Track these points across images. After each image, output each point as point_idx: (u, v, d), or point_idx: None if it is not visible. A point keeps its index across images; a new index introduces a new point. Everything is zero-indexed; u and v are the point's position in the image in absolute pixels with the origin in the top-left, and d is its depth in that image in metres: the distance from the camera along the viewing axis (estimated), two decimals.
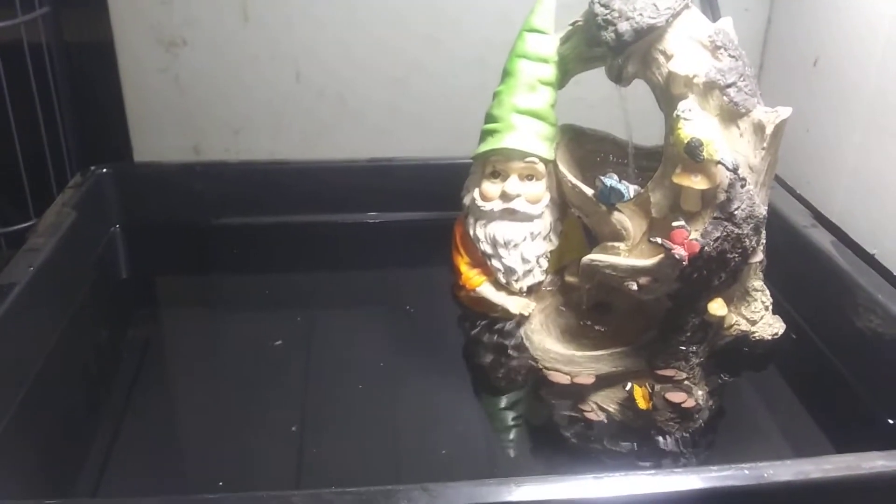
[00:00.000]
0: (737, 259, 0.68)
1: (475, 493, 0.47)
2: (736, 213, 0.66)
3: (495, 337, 0.76)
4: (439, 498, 0.46)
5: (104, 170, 0.91)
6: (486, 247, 0.76)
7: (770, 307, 0.74)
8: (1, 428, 0.61)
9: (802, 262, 0.80)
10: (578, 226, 0.80)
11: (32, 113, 0.89)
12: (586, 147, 0.79)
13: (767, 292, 0.74)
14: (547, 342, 0.75)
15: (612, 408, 0.69)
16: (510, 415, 0.71)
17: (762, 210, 0.68)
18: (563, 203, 0.77)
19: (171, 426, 0.69)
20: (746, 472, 0.49)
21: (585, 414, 0.69)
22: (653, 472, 0.49)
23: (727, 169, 0.65)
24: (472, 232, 0.77)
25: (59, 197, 0.84)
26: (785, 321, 0.75)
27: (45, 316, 0.73)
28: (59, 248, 0.75)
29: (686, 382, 0.70)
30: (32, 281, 0.69)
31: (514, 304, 0.77)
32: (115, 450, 0.64)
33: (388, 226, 0.96)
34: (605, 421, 0.68)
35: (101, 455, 0.64)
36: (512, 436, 0.69)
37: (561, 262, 0.79)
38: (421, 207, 0.95)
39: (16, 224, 0.91)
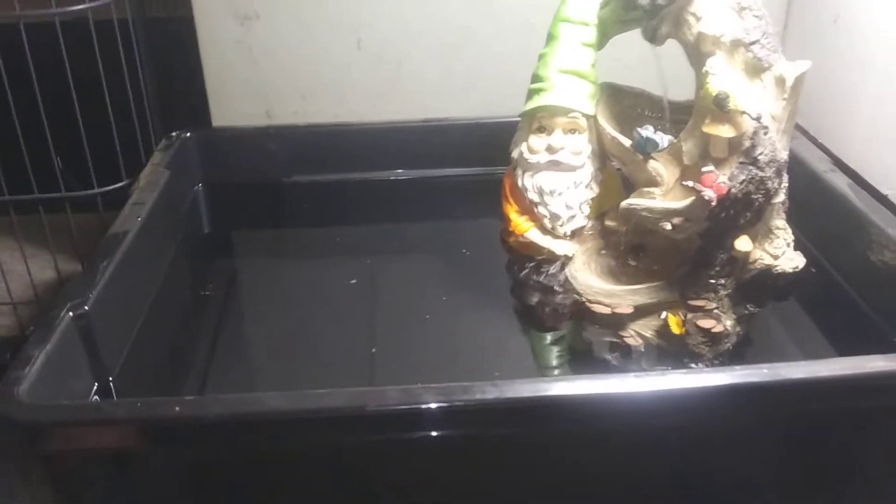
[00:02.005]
0: (760, 199, 0.73)
1: (536, 388, 0.55)
2: (760, 157, 0.71)
3: (542, 278, 0.82)
4: (507, 391, 0.54)
5: (188, 134, 0.98)
6: (533, 195, 0.82)
7: (791, 244, 0.79)
8: (127, 347, 0.71)
9: (822, 203, 0.84)
10: (617, 175, 0.86)
11: (121, 84, 0.96)
12: (624, 103, 0.84)
13: (789, 230, 0.79)
14: (590, 279, 0.81)
15: (648, 334, 0.76)
16: (557, 341, 0.78)
17: (783, 155, 0.74)
18: (602, 154, 0.83)
19: (259, 350, 0.78)
20: (766, 370, 0.56)
21: (625, 339, 0.75)
22: (685, 371, 0.57)
23: (751, 118, 0.71)
24: (520, 182, 0.83)
25: (151, 159, 0.92)
26: (806, 257, 0.79)
27: (152, 259, 0.82)
28: (159, 202, 0.84)
29: (716, 311, 0.76)
30: (141, 230, 0.78)
31: (559, 247, 0.83)
32: (211, 369, 0.73)
33: (443, 181, 1.02)
34: (643, 345, 0.75)
35: (201, 373, 0.73)
36: (559, 359, 0.76)
37: (601, 209, 0.84)
38: (472, 164, 1.00)
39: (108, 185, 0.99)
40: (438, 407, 0.54)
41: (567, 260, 0.83)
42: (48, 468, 0.56)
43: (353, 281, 0.84)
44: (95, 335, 0.66)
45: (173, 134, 0.99)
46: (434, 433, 0.56)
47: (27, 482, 0.55)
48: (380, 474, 0.58)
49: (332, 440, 0.56)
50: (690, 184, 0.74)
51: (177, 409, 0.53)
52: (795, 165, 0.84)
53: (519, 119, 0.84)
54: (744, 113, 0.71)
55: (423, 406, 0.54)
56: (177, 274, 0.86)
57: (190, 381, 0.72)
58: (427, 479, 0.59)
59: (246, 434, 0.55)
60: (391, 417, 0.54)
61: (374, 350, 0.74)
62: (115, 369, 0.69)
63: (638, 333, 0.77)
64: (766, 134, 0.72)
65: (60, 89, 0.91)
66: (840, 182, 0.84)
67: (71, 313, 0.65)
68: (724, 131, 0.72)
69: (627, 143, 0.79)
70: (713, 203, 0.72)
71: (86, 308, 0.66)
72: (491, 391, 0.54)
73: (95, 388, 0.67)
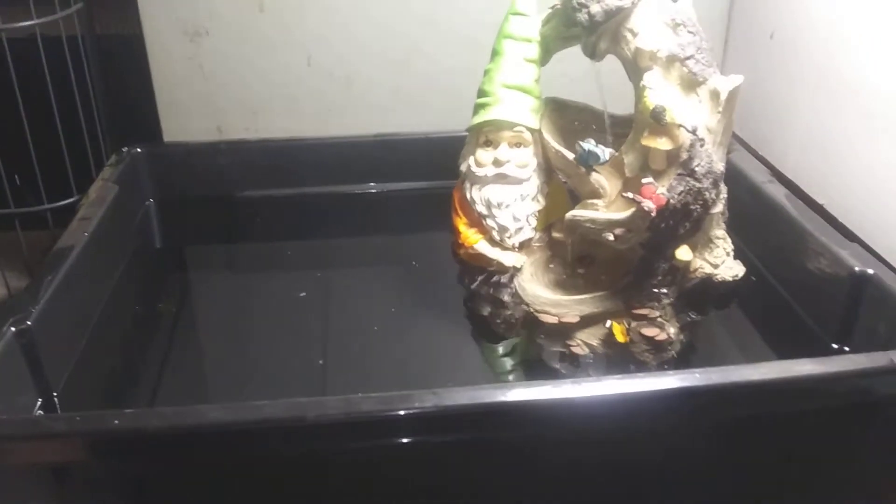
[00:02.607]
0: (699, 210, 0.75)
1: (474, 395, 0.56)
2: (696, 169, 0.73)
3: (492, 290, 0.84)
4: (446, 399, 0.55)
5: (138, 149, 0.98)
6: (481, 208, 0.84)
7: (731, 253, 0.82)
8: (73, 362, 0.71)
9: (761, 213, 0.86)
10: (563, 188, 0.87)
11: (71, 100, 0.96)
12: (568, 117, 0.86)
13: (729, 240, 0.81)
14: (537, 289, 0.83)
15: (594, 343, 0.77)
16: (507, 351, 0.79)
17: (720, 166, 0.76)
18: (548, 167, 0.84)
19: (209, 364, 0.78)
20: (697, 375, 0.58)
21: (572, 348, 0.76)
22: (619, 377, 0.58)
23: (687, 131, 0.73)
24: (468, 195, 0.84)
25: (101, 174, 0.92)
26: (746, 265, 0.82)
27: (100, 274, 0.82)
28: (107, 217, 0.84)
29: (659, 319, 0.78)
30: (87, 245, 0.78)
31: (508, 259, 0.84)
32: (161, 384, 0.73)
33: (394, 194, 1.03)
34: (589, 353, 0.76)
35: (150, 388, 0.73)
36: (508, 367, 0.78)
37: (548, 220, 0.86)
38: (422, 177, 1.01)
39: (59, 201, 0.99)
40: (378, 416, 0.55)
41: (515, 271, 0.85)
42: None
43: (303, 294, 0.84)
44: (39, 350, 0.66)
45: (124, 149, 0.99)
46: (375, 442, 0.56)
47: None
48: (322, 484, 0.59)
49: (272, 451, 0.56)
50: (630, 195, 0.75)
51: (116, 422, 0.53)
52: (735, 177, 0.87)
53: (466, 134, 0.85)
54: (680, 126, 0.73)
55: (363, 415, 0.54)
56: (126, 289, 0.85)
57: (138, 397, 0.72)
58: (369, 488, 0.60)
59: (187, 447, 0.55)
60: (331, 427, 0.55)
61: (321, 362, 0.74)
62: (60, 385, 0.69)
63: (584, 342, 0.78)
64: (702, 146, 0.74)
65: (10, 105, 0.91)
66: (778, 193, 0.86)
67: (13, 328, 0.64)
68: (662, 144, 0.74)
69: (571, 155, 0.80)
70: (653, 213, 0.74)
71: (28, 323, 0.65)
72: (430, 399, 0.55)
73: (40, 403, 0.67)
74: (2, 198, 0.96)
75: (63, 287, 0.71)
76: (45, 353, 0.67)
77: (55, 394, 0.68)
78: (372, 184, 1.04)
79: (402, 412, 0.55)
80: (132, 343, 0.80)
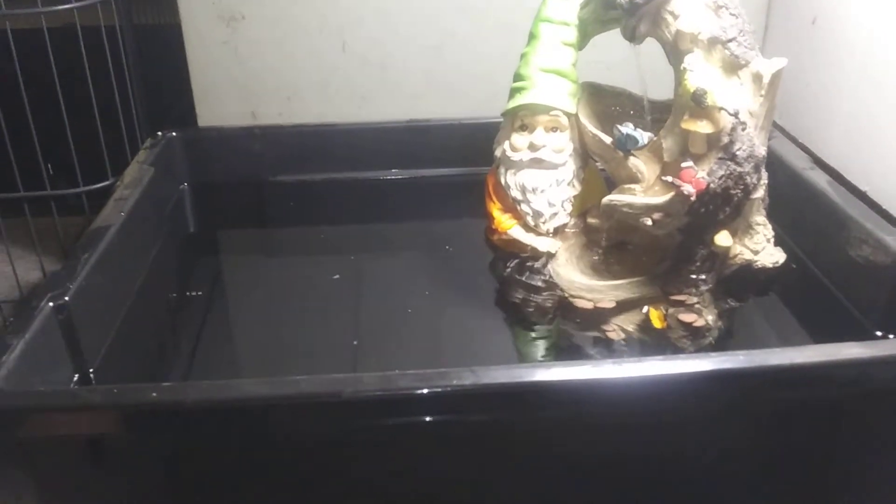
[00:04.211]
0: (739, 195, 0.74)
1: (512, 374, 0.56)
2: (738, 153, 0.73)
3: (526, 275, 0.83)
4: (484, 378, 0.55)
5: (173, 133, 0.99)
6: (515, 193, 0.83)
7: (772, 239, 0.81)
8: (108, 340, 0.72)
9: (802, 200, 0.85)
10: (599, 173, 0.87)
11: (107, 86, 0.97)
12: (605, 101, 0.86)
13: (769, 226, 0.80)
14: (572, 275, 0.82)
15: (630, 328, 0.77)
16: (541, 336, 0.78)
17: (762, 150, 0.75)
18: (584, 153, 0.84)
19: (243, 343, 0.78)
20: (742, 357, 0.57)
21: (607, 333, 0.76)
22: (661, 357, 0.57)
23: (729, 114, 0.72)
24: (503, 180, 0.84)
25: (136, 157, 0.93)
26: (786, 252, 0.81)
27: (136, 254, 0.82)
28: (143, 199, 0.84)
29: (697, 305, 0.77)
30: (123, 225, 0.78)
31: (542, 244, 0.84)
32: (194, 363, 0.73)
33: (427, 180, 1.03)
34: (625, 339, 0.75)
35: (184, 366, 0.73)
36: (543, 352, 0.76)
37: (583, 207, 0.85)
38: (455, 164, 1.01)
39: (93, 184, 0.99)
40: (415, 393, 0.54)
41: (550, 256, 0.84)
42: (26, 455, 0.56)
43: (336, 276, 0.84)
44: (76, 326, 0.66)
45: (159, 133, 0.99)
46: (410, 419, 0.56)
47: (4, 469, 0.55)
48: (356, 459, 0.58)
49: (308, 426, 0.56)
50: (670, 179, 0.74)
51: (154, 395, 0.53)
52: (775, 163, 0.86)
53: (500, 121, 0.85)
54: (721, 109, 0.72)
55: (400, 392, 0.54)
56: (161, 269, 0.86)
57: (172, 374, 0.73)
58: (404, 465, 0.59)
59: (223, 420, 0.55)
60: (367, 403, 0.54)
61: (355, 342, 0.74)
62: (96, 361, 0.69)
63: (620, 328, 0.77)
64: (743, 130, 0.73)
65: (48, 90, 0.92)
66: (819, 179, 0.85)
67: (51, 304, 0.65)
68: (703, 127, 0.73)
69: (608, 140, 0.79)
70: (692, 198, 0.73)
71: (66, 299, 0.66)
72: (468, 377, 0.54)
73: (76, 378, 0.67)
74: (38, 182, 0.97)
75: (99, 265, 0.72)
76: (82, 329, 0.67)
77: (91, 370, 0.68)
78: (405, 169, 1.03)
79: (439, 389, 0.54)
80: (166, 324, 0.81)
